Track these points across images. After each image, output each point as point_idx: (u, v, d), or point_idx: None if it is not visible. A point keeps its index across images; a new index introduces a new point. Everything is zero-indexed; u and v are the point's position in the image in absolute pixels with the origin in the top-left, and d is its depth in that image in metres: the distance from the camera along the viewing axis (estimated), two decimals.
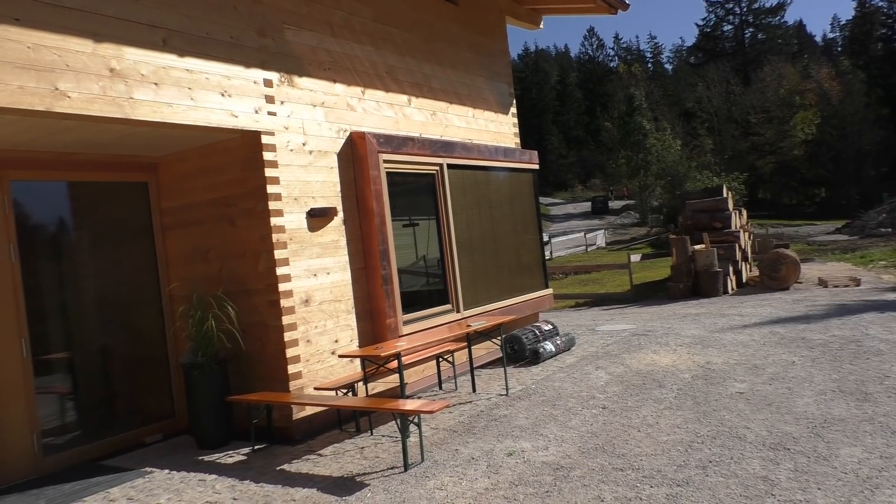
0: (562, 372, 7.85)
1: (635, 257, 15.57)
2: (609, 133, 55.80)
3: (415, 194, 7.89)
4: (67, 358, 6.21)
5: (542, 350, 8.47)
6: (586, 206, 71.47)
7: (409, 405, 4.99)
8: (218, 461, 5.67)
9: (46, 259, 6.14)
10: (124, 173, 6.61)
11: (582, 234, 33.92)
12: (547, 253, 31.41)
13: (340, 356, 6.00)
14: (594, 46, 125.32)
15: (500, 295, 9.00)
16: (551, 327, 9.16)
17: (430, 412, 4.81)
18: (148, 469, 5.57)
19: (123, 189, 6.66)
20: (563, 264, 24.46)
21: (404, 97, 7.85)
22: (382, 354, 5.62)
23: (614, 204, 66.74)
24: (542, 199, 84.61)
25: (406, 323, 7.29)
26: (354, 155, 7.02)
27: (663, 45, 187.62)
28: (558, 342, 8.87)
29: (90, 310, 6.38)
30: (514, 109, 10.08)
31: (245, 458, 5.70)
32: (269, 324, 6.14)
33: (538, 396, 6.84)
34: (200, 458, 5.80)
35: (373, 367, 6.06)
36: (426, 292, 7.93)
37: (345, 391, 6.21)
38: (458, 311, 8.12)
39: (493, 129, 9.52)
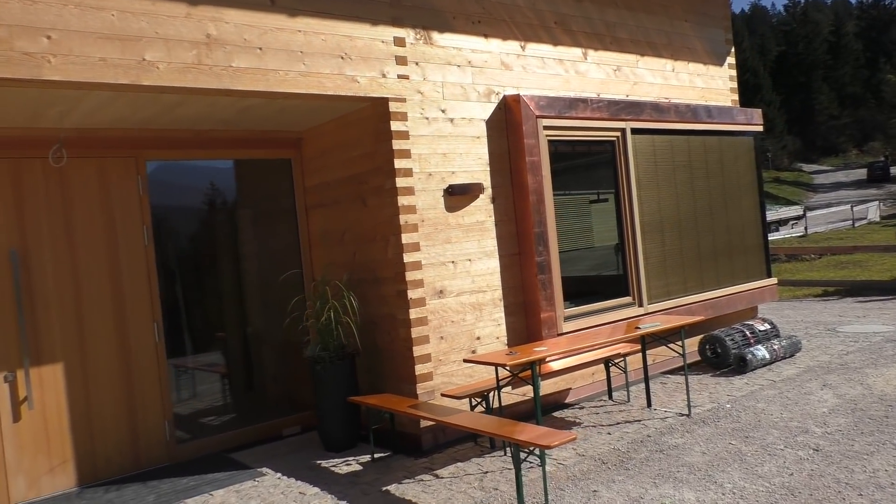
0: (773, 388, 6.19)
1: None
2: (892, 87, 47.37)
3: (588, 166, 6.67)
4: (213, 340, 6.09)
5: (750, 356, 6.81)
6: (861, 173, 62.11)
7: (526, 433, 3.96)
8: (332, 469, 5.12)
9: (182, 243, 6.04)
10: (266, 150, 6.30)
11: (849, 206, 28.99)
12: (800, 229, 27.43)
13: (464, 361, 5.11)
14: None
15: (700, 285, 7.43)
16: (769, 327, 7.38)
17: (547, 447, 3.75)
18: (263, 470, 5.20)
19: (267, 167, 6.36)
20: (812, 244, 20.96)
21: (578, 51, 6.62)
22: (510, 363, 4.62)
23: None
24: (806, 167, 76.09)
25: (569, 319, 6.18)
26: (508, 121, 6.01)
27: None
28: (775, 347, 7.10)
29: (234, 293, 6.20)
30: (731, 59, 8.25)
31: (360, 468, 5.08)
32: (397, 317, 5.44)
33: (729, 421, 5.36)
34: (319, 462, 5.31)
35: (507, 374, 5.09)
36: (600, 282, 6.71)
37: (479, 399, 5.33)
38: (640, 305, 6.78)
39: (701, 84, 7.85)
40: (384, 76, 5.31)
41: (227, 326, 6.18)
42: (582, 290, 6.51)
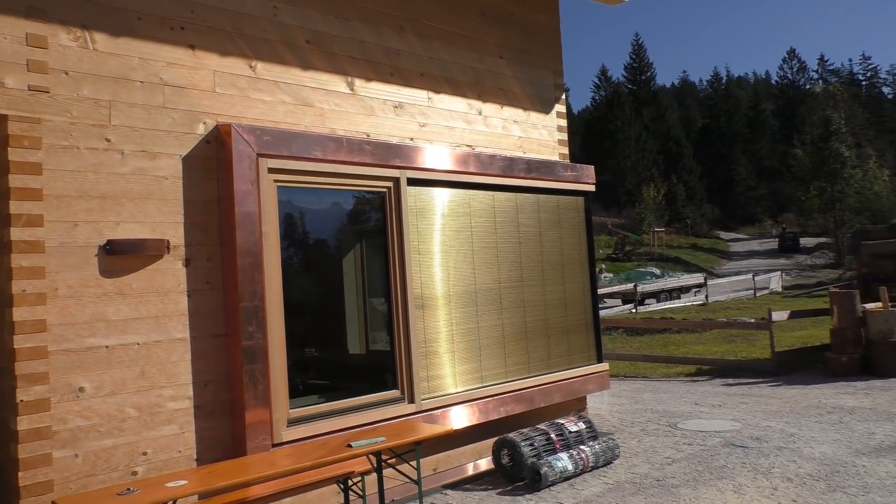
0: None
1: (781, 314, 11.56)
2: (799, 161, 48.83)
3: (347, 222, 5.29)
4: None
5: (546, 469, 5.42)
6: (775, 242, 63.72)
7: None
8: None
9: None
10: None
11: (750, 275, 28.78)
12: (701, 297, 26.93)
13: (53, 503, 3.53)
14: (794, 70, 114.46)
15: (503, 374, 6.07)
16: (583, 427, 6.04)
17: None
18: None
19: None
20: (684, 318, 20.14)
21: (341, 80, 5.30)
22: None
23: (807, 241, 58.59)
24: (724, 234, 78.04)
25: (297, 423, 4.68)
26: (220, 160, 4.59)
27: (879, 66, 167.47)
28: (584, 454, 5.74)
29: None
30: (560, 108, 7.13)
31: None
32: (8, 425, 3.84)
33: None
34: None
35: None
36: (357, 371, 5.26)
37: None
38: (410, 401, 5.33)
39: (518, 133, 6.65)
40: (2, 85, 3.82)
41: None
42: (329, 383, 5.04)
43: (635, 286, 25.38)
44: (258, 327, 4.51)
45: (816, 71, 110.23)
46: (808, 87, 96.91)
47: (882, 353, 9.93)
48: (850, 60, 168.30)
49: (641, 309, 24.96)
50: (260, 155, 4.62)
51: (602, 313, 24.93)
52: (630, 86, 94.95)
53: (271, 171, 4.69)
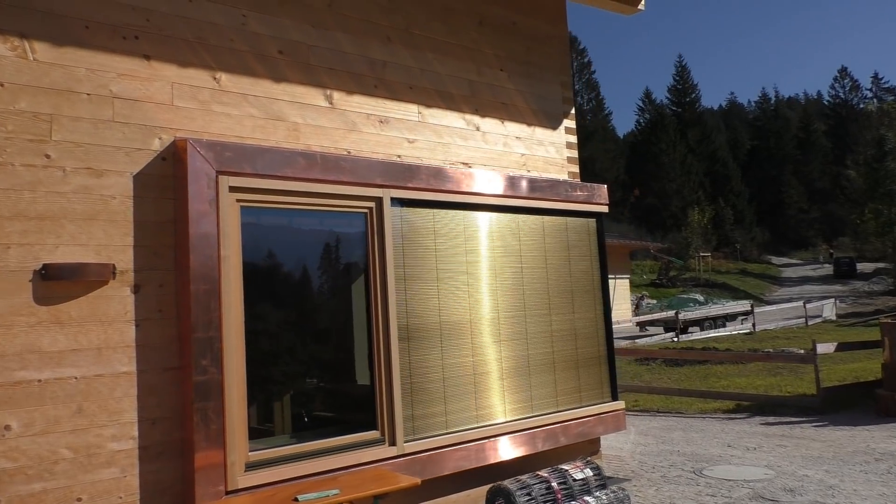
0: None
1: (827, 346, 10.68)
2: (852, 182, 46.95)
3: (320, 246, 4.86)
4: None
5: None
6: (830, 267, 61.35)
7: None
8: None
9: None
10: None
11: (801, 303, 27.42)
12: (748, 325, 25.73)
13: None
14: (846, 89, 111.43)
15: (501, 412, 5.54)
16: (590, 474, 5.43)
17: None
18: None
19: None
20: (727, 348, 19.10)
21: (318, 92, 4.92)
22: None
23: (864, 266, 56.20)
24: (775, 259, 75.69)
25: (258, 466, 4.23)
26: (176, 177, 4.23)
27: None
28: None
29: None
30: (569, 123, 6.63)
31: None
32: None
33: None
34: None
35: None
36: (331, 410, 4.79)
37: None
38: (391, 444, 4.84)
39: (522, 150, 6.17)
40: None
41: None
42: (299, 423, 4.59)
43: (677, 313, 24.38)
44: (213, 361, 4.10)
45: (870, 89, 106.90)
46: (861, 106, 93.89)
47: None
48: None
49: (684, 337, 23.95)
50: (220, 172, 4.25)
51: (641, 342, 24.11)
52: (674, 108, 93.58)
53: (233, 189, 4.31)
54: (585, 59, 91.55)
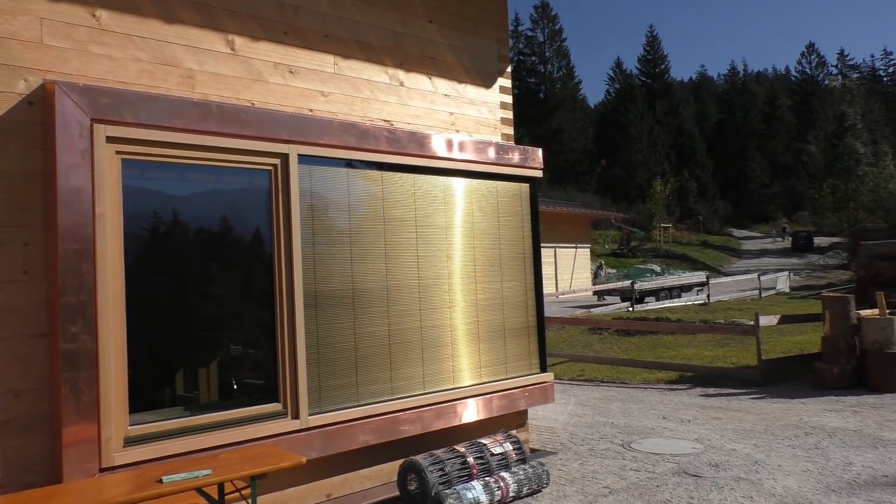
0: None
1: (770, 319, 10.63)
2: (812, 158, 47.47)
3: (217, 204, 4.49)
4: None
5: (453, 501, 4.62)
6: (784, 242, 62.36)
7: None
8: None
9: None
10: None
11: (756, 275, 27.70)
12: (702, 297, 25.92)
13: None
14: (813, 65, 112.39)
15: (419, 384, 5.28)
16: (509, 448, 5.23)
17: None
18: None
19: None
20: (666, 318, 19.20)
21: (217, 36, 4.50)
22: None
23: (822, 241, 57.19)
24: (737, 232, 76.81)
25: (141, 441, 3.91)
26: (44, 125, 3.81)
27: None
28: (505, 482, 4.93)
29: None
30: (504, 82, 6.29)
31: None
32: None
33: None
34: None
35: None
36: (230, 380, 4.47)
37: None
38: (295, 417, 4.55)
39: (450, 108, 5.83)
40: None
41: None
42: (193, 394, 4.27)
43: (633, 283, 24.42)
44: (85, 327, 3.74)
45: (836, 66, 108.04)
46: (826, 82, 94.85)
47: (876, 366, 9.03)
48: (872, 56, 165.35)
49: (639, 307, 24.02)
50: (95, 120, 3.84)
51: (597, 311, 24.14)
52: (643, 78, 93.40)
53: (111, 140, 3.91)
54: (557, 26, 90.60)
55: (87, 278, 3.76)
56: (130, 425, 3.92)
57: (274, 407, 4.50)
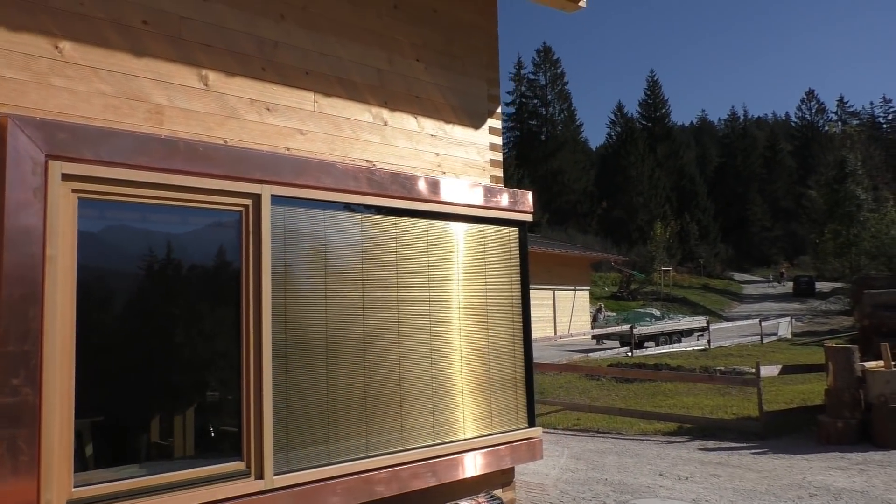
0: None
1: (771, 369, 10.30)
2: (813, 202, 47.41)
3: (183, 246, 4.24)
4: None
5: None
6: (790, 285, 61.99)
7: None
8: None
9: None
10: None
11: (757, 320, 27.33)
12: (703, 342, 25.52)
13: None
14: (813, 111, 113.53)
15: (398, 440, 4.95)
16: None
17: None
18: None
19: None
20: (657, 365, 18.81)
21: (190, 71, 4.31)
22: None
23: (823, 286, 56.82)
24: (738, 276, 76.52)
25: None
26: None
27: None
28: None
29: None
30: (494, 123, 6.10)
31: None
32: None
33: None
34: None
35: None
36: (188, 437, 4.16)
37: None
38: (259, 477, 4.22)
39: (436, 149, 5.62)
40: None
41: None
42: (148, 451, 3.96)
43: (632, 328, 24.04)
44: (28, 379, 3.45)
45: (836, 112, 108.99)
46: (826, 128, 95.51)
47: (882, 420, 8.68)
48: (872, 103, 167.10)
49: (639, 352, 23.62)
50: (51, 157, 3.61)
51: (595, 355, 23.73)
52: (644, 122, 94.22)
53: (67, 178, 3.67)
54: (559, 70, 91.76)
55: (34, 325, 3.49)
56: (75, 486, 3.60)
57: (236, 465, 4.18)
